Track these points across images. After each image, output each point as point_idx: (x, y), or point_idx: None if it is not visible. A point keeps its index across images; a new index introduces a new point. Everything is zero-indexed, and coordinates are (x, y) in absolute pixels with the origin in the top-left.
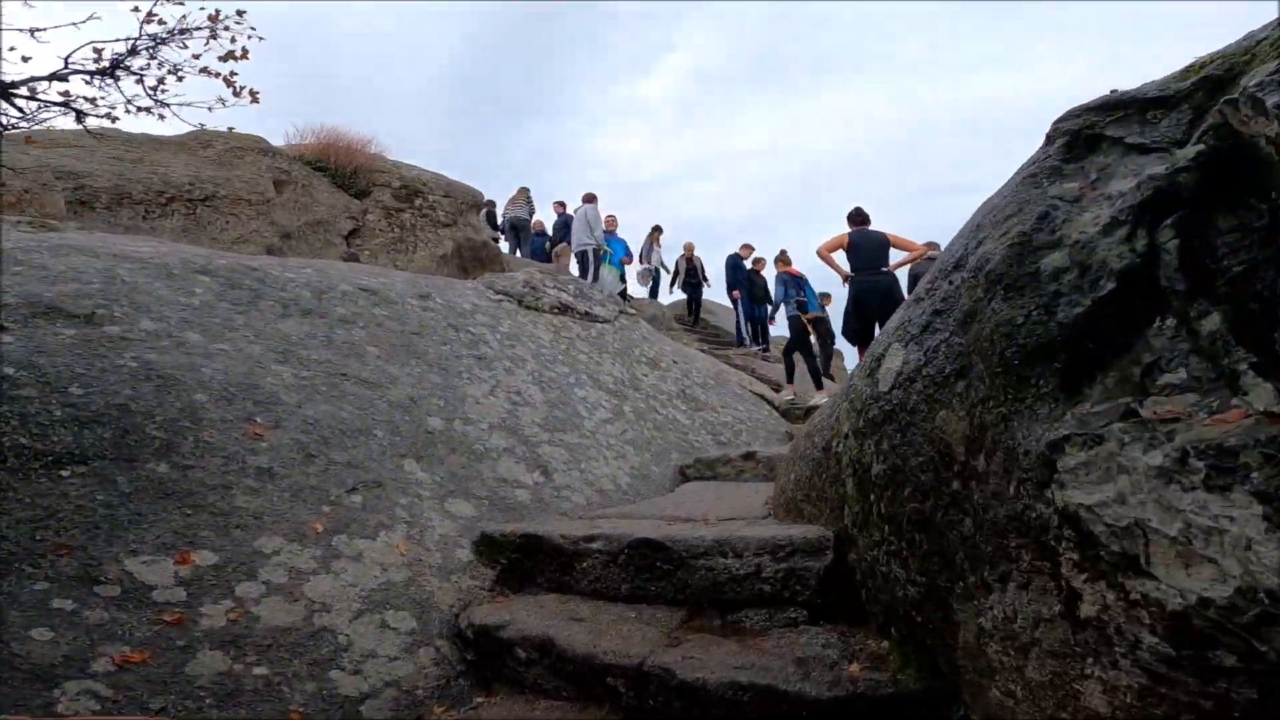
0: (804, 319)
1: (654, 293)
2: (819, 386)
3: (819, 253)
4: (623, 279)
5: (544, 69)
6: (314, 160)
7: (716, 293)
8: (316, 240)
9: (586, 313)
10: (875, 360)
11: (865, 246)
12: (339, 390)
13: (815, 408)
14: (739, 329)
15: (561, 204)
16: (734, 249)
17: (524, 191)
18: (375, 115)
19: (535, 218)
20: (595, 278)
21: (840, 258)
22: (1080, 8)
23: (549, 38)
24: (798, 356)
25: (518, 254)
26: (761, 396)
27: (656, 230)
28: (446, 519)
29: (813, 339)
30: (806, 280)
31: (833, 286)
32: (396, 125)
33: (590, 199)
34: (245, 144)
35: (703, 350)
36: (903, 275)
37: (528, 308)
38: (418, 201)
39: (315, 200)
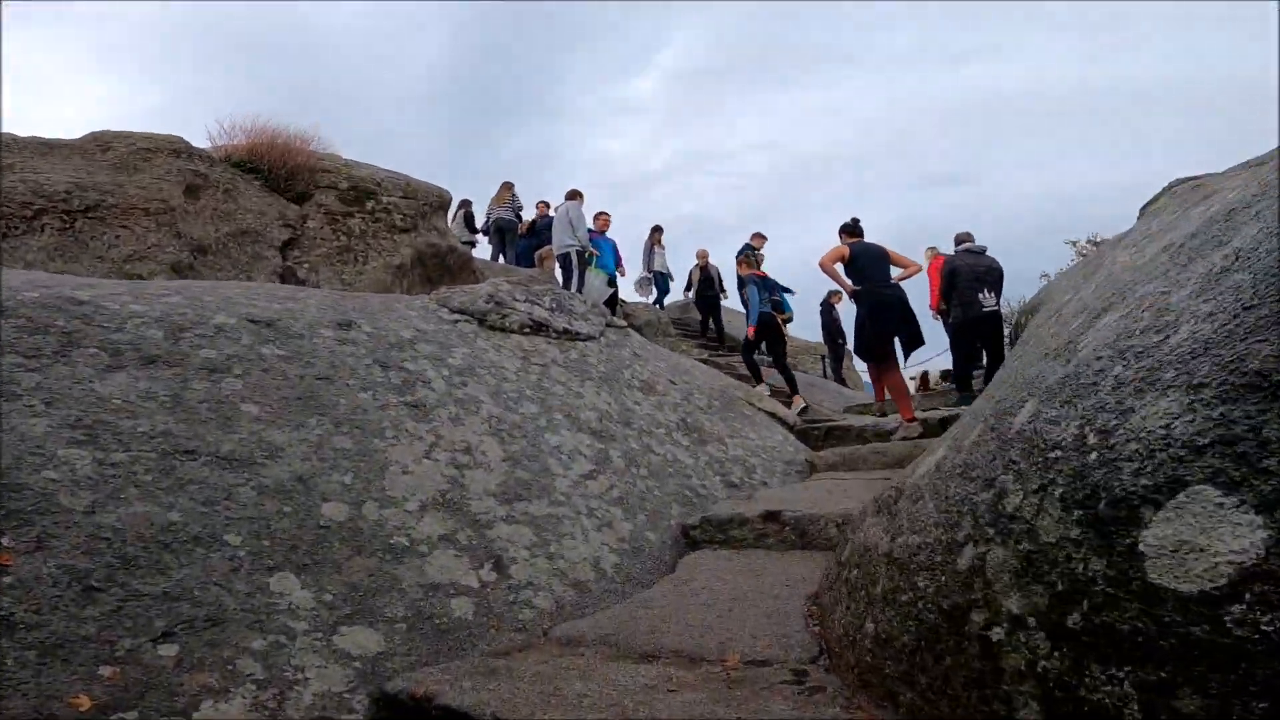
0: (779, 319)
1: (660, 303)
2: (759, 380)
3: (822, 265)
4: (612, 284)
5: (534, 69)
6: (243, 161)
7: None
8: (242, 254)
9: (565, 330)
10: (1120, 505)
11: (869, 259)
12: (174, 478)
13: (837, 426)
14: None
15: (545, 204)
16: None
17: (508, 188)
18: (364, 118)
19: (529, 218)
20: (579, 284)
21: (841, 270)
22: (1056, 3)
23: (538, 38)
24: (776, 364)
25: (501, 259)
26: (774, 415)
27: (657, 231)
28: (332, 664)
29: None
30: (776, 283)
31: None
32: (386, 127)
33: (573, 195)
34: (156, 145)
35: (702, 360)
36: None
37: (492, 329)
38: (370, 204)
39: (241, 207)
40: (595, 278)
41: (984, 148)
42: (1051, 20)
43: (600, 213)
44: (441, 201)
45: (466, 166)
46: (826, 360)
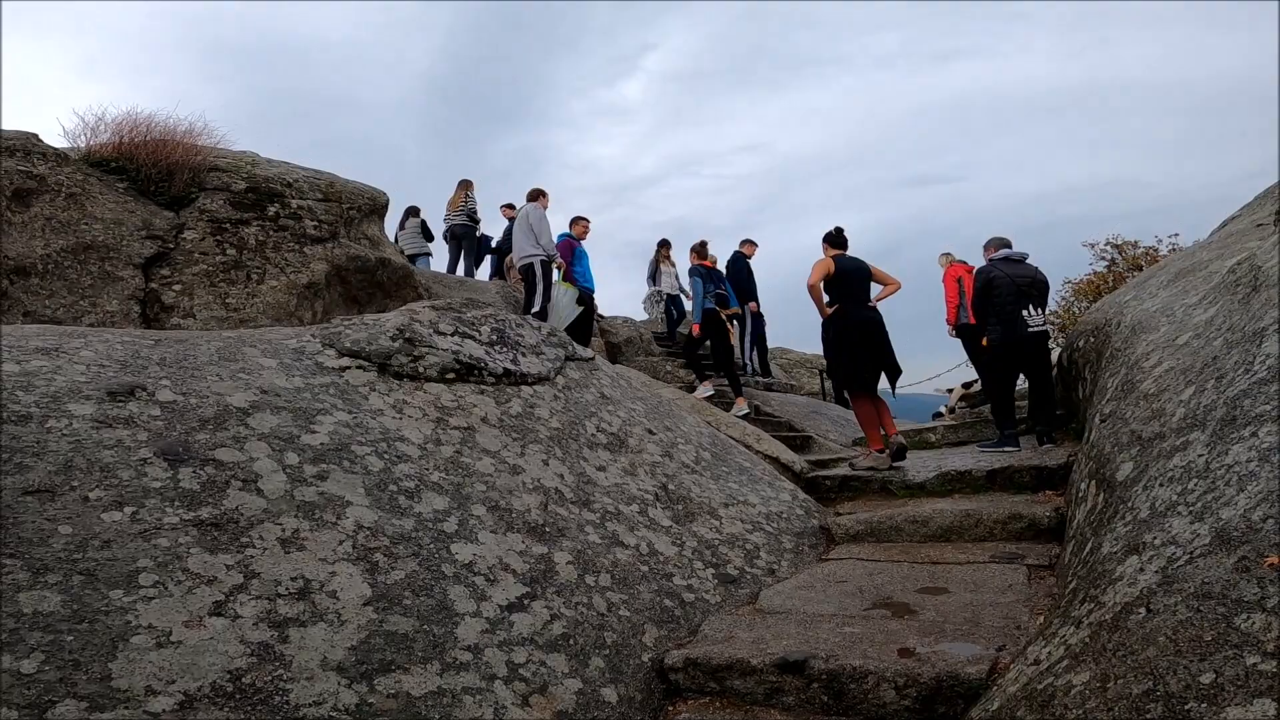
0: (722, 314)
1: (671, 334)
2: (701, 379)
3: (811, 288)
4: (585, 301)
5: (523, 74)
6: (108, 160)
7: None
8: (84, 275)
9: (507, 372)
10: None
11: (854, 275)
12: None
13: (854, 477)
14: (742, 353)
15: (511, 207)
16: (712, 251)
17: (464, 188)
18: (355, 126)
19: (521, 226)
20: (544, 300)
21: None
22: (1033, 2)
23: (527, 43)
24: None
25: (458, 270)
26: (777, 461)
27: (664, 246)
28: None
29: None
30: (723, 275)
31: (801, 292)
32: (377, 135)
33: (535, 196)
34: None
35: (687, 387)
36: None
37: (398, 377)
38: (273, 209)
39: (88, 215)
40: (564, 294)
41: (968, 147)
42: (1031, 19)
43: (578, 218)
44: (374, 205)
45: (456, 171)
46: (824, 379)
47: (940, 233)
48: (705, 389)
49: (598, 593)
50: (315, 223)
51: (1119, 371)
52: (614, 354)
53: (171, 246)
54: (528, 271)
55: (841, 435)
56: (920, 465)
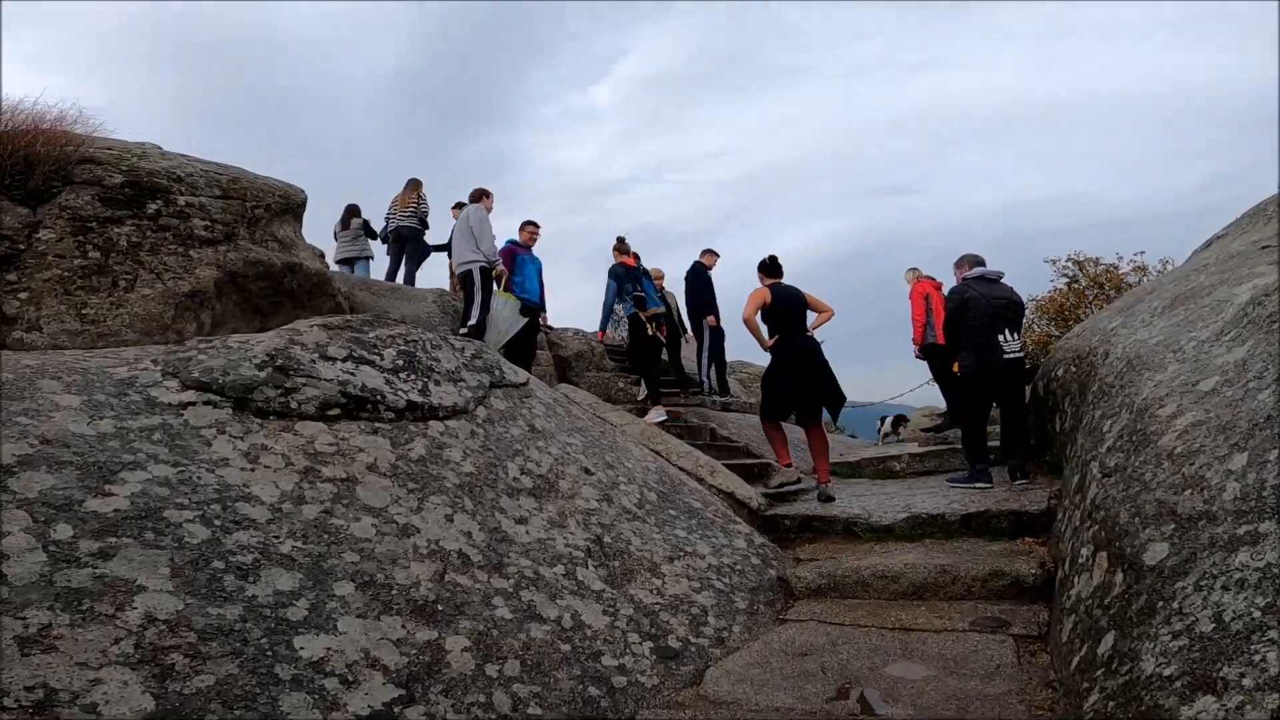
0: (642, 317)
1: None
2: (655, 401)
3: (746, 321)
4: (531, 313)
5: (494, 76)
6: None
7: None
8: None
9: (412, 404)
10: None
11: (790, 304)
12: None
13: (816, 517)
14: (700, 370)
15: (462, 207)
16: (680, 257)
17: (414, 188)
18: (320, 125)
19: (461, 229)
20: (481, 312)
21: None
22: (1008, 9)
23: (500, 46)
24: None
25: (398, 277)
26: (732, 497)
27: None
28: None
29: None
30: (646, 274)
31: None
32: (343, 135)
33: (478, 196)
34: None
35: (639, 410)
36: None
37: (261, 414)
38: (153, 206)
39: None
40: (504, 306)
41: (930, 159)
42: (1000, 33)
43: (526, 222)
44: (287, 204)
45: (420, 172)
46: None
47: (899, 244)
48: (656, 414)
49: (501, 686)
50: (207, 222)
51: (1116, 413)
52: (563, 369)
53: (22, 248)
54: (466, 280)
55: (801, 460)
56: (887, 503)
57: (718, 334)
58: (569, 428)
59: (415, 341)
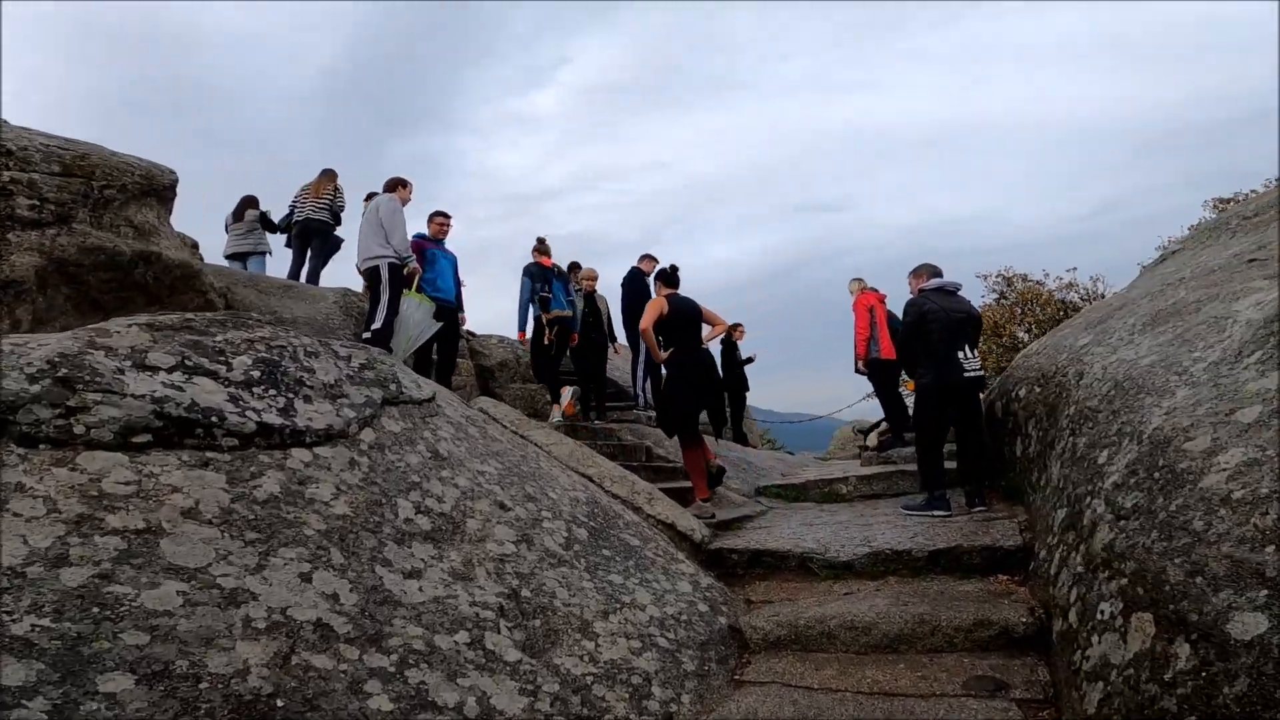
0: (544, 319)
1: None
2: (554, 400)
3: (643, 332)
4: (447, 316)
5: (432, 77)
6: None
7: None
8: None
9: (265, 429)
10: None
11: (688, 315)
12: None
13: (767, 552)
14: (635, 383)
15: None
16: (615, 266)
17: (329, 178)
18: (247, 114)
19: (369, 221)
20: (388, 312)
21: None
22: (933, 37)
23: (440, 47)
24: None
25: (302, 274)
26: (673, 528)
27: (574, 270)
28: None
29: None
30: (562, 275)
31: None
32: (270, 126)
33: (393, 186)
34: None
35: (569, 429)
36: None
37: (30, 441)
38: None
39: None
40: (415, 308)
41: (855, 177)
42: (921, 57)
43: (436, 213)
44: (149, 185)
45: (348, 171)
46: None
47: (828, 259)
48: (555, 414)
49: None
50: (34, 201)
51: (1115, 443)
52: (485, 380)
53: None
54: (372, 277)
55: (743, 482)
56: (843, 534)
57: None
58: (483, 452)
59: (282, 348)
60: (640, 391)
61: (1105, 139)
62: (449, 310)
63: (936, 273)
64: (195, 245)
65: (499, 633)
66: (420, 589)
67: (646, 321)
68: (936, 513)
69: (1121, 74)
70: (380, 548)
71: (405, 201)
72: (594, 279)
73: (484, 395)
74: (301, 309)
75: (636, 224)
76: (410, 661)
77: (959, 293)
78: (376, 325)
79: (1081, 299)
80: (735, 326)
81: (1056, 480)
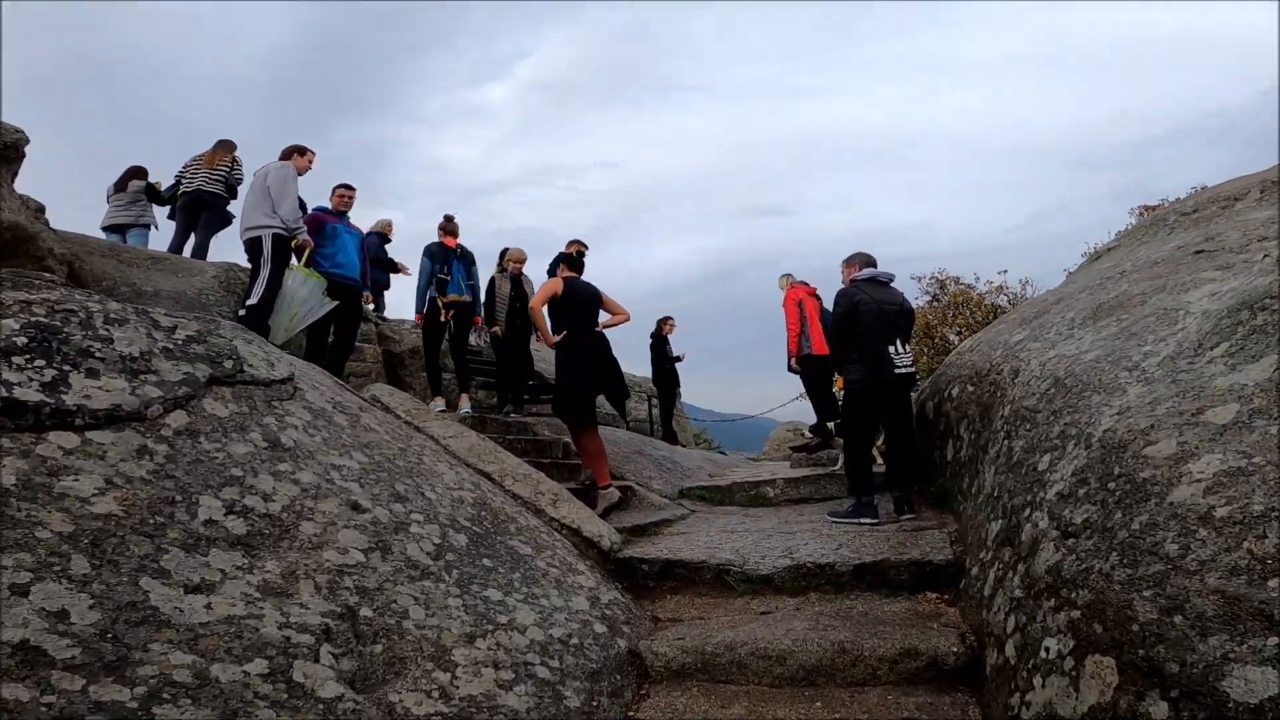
0: (440, 302)
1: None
2: (435, 392)
3: (533, 310)
4: (349, 295)
5: (389, 67)
6: None
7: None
8: None
9: (8, 405)
10: None
11: (586, 299)
12: None
13: (680, 562)
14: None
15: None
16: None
17: (226, 149)
18: (182, 95)
19: (255, 189)
20: (266, 288)
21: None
22: (889, 46)
23: (398, 36)
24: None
25: (186, 249)
26: (579, 534)
27: (503, 254)
28: None
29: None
30: (463, 256)
31: (637, 313)
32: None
33: (289, 154)
34: None
35: (474, 423)
36: None
37: None
38: None
39: None
40: (301, 283)
41: (803, 182)
42: (875, 66)
43: (339, 186)
44: None
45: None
46: (653, 405)
47: (772, 262)
48: (436, 404)
49: None
50: None
51: (1058, 448)
52: (395, 367)
53: None
54: (253, 247)
55: (667, 483)
56: (764, 543)
57: None
58: (347, 444)
59: (70, 312)
60: None
61: (1038, 154)
62: (350, 289)
63: (869, 262)
64: (41, 209)
65: (316, 661)
66: (209, 606)
67: (537, 301)
68: (864, 520)
69: (1055, 92)
70: (156, 555)
71: (303, 171)
72: (521, 261)
73: (392, 383)
74: (169, 283)
75: (583, 220)
76: (165, 696)
77: (892, 284)
78: (252, 301)
79: (1010, 302)
80: (665, 320)
81: (990, 488)
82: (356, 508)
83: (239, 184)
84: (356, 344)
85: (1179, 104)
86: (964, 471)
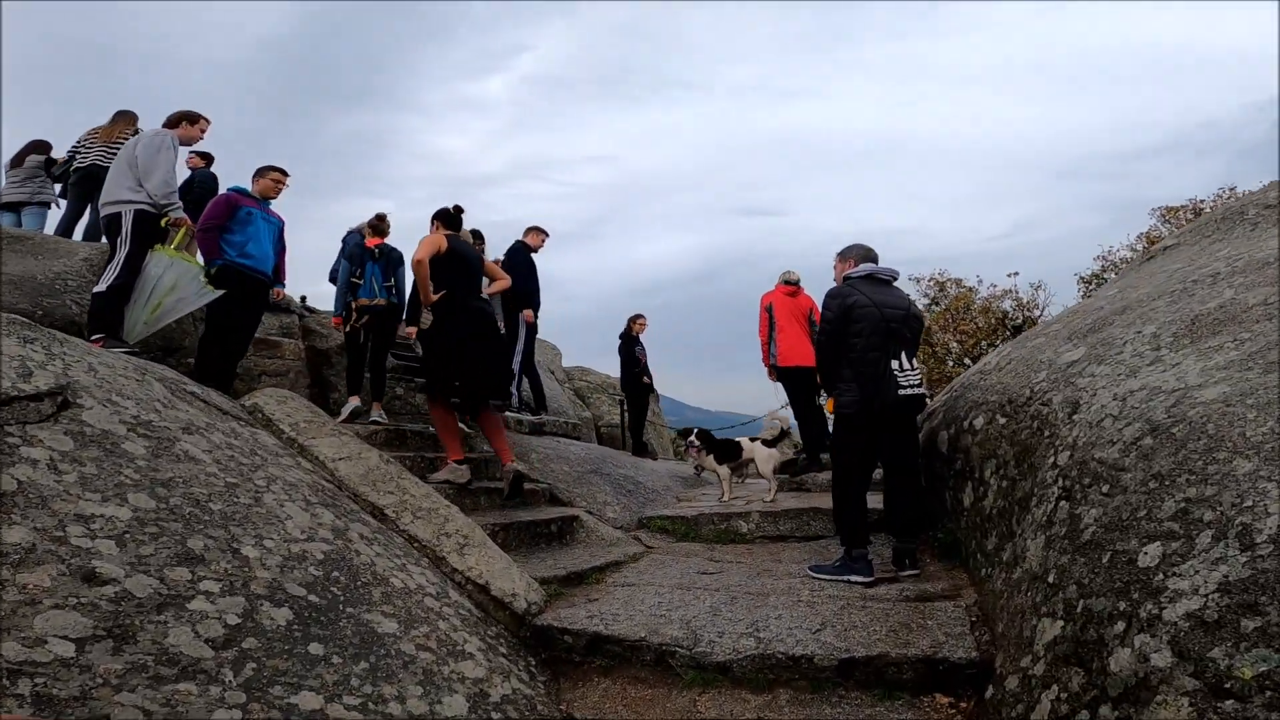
0: (353, 306)
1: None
2: (354, 392)
3: (417, 264)
4: (248, 284)
5: (388, 58)
6: None
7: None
8: None
9: None
10: None
11: (470, 260)
12: None
13: (613, 639)
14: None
15: (204, 157)
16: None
17: (127, 121)
18: (176, 79)
19: (122, 159)
20: (125, 273)
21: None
22: (876, 49)
23: (399, 28)
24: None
25: (78, 229)
26: (486, 592)
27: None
28: None
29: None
30: (383, 258)
31: (617, 311)
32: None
33: (177, 121)
34: None
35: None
36: None
37: None
38: None
39: None
40: (167, 268)
41: (792, 183)
42: (867, 70)
43: (271, 168)
44: None
45: (280, 143)
46: (623, 412)
47: (758, 261)
48: (348, 406)
49: None
50: None
51: (1189, 539)
52: (319, 366)
53: None
54: (112, 225)
55: (625, 510)
56: (724, 612)
57: (534, 333)
58: (127, 483)
59: None
60: (515, 390)
61: (1022, 163)
62: (257, 284)
63: (869, 256)
64: (30, 196)
65: None
66: None
67: (422, 254)
68: (854, 578)
69: (1043, 101)
70: None
71: (191, 140)
72: (479, 244)
73: (315, 384)
74: (20, 266)
75: (575, 214)
76: None
77: (895, 284)
78: (100, 288)
79: (1019, 308)
80: (636, 318)
81: (1037, 565)
82: (92, 578)
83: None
84: (276, 339)
85: (1169, 115)
86: (989, 527)
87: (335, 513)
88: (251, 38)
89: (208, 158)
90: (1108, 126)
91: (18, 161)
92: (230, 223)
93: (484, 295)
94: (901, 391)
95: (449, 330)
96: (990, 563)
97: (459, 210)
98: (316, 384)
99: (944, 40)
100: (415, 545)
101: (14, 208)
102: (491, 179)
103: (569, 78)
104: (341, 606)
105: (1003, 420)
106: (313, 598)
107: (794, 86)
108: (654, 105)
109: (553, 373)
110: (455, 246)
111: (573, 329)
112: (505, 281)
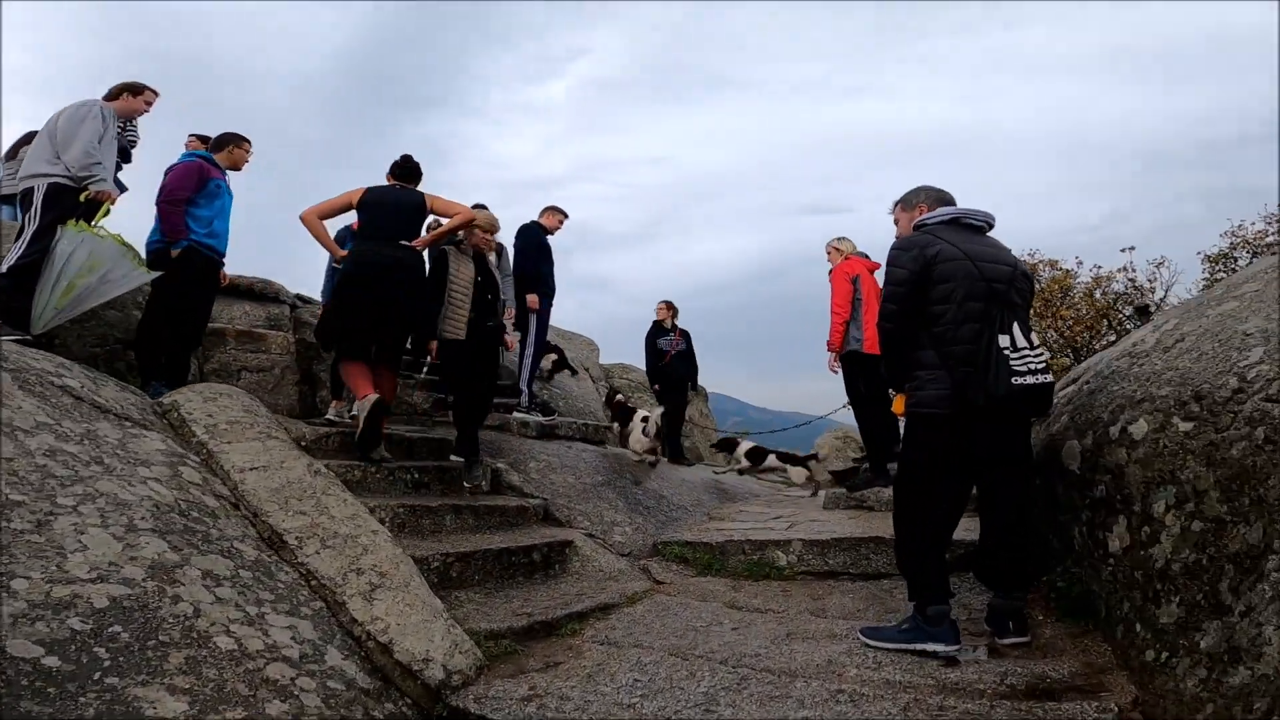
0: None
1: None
2: (337, 397)
3: (305, 218)
4: (201, 263)
5: (453, 66)
6: None
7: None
8: None
9: None
10: None
11: (390, 207)
12: None
13: None
14: (520, 372)
15: (202, 139)
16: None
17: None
18: (252, 93)
19: (45, 131)
20: (26, 251)
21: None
22: (944, 43)
23: (462, 35)
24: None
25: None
26: (388, 652)
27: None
28: None
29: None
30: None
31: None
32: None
33: (117, 94)
34: None
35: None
36: None
37: None
38: None
39: None
40: (79, 244)
41: (857, 180)
42: (936, 64)
43: (237, 135)
44: None
45: (353, 151)
46: (651, 414)
47: (822, 260)
48: (333, 410)
49: None
50: None
51: None
52: (310, 361)
53: None
54: (23, 201)
55: (637, 532)
56: (724, 715)
57: (544, 324)
58: None
59: None
60: (525, 386)
61: (1116, 152)
62: (214, 265)
63: (946, 200)
64: None
65: None
66: None
67: (316, 209)
68: (931, 646)
69: (1135, 89)
70: None
71: (133, 114)
72: (492, 231)
73: (304, 379)
74: None
75: (632, 216)
76: None
77: (991, 232)
78: (7, 267)
79: (1136, 288)
80: (664, 304)
81: None
82: None
83: (132, 146)
84: (262, 331)
85: (1266, 103)
86: (1164, 589)
87: (177, 542)
88: (321, 47)
89: (206, 140)
90: (1201, 116)
91: (12, 154)
92: (198, 195)
93: (407, 242)
94: (1017, 380)
95: (352, 279)
96: (1165, 644)
97: (407, 159)
98: (306, 380)
99: (1018, 31)
100: (311, 585)
101: (9, 200)
102: (552, 181)
103: (624, 80)
104: (98, 676)
105: (1187, 426)
106: (50, 661)
107: (857, 83)
108: (712, 105)
109: (587, 369)
110: (372, 196)
111: (631, 330)
112: (462, 215)
